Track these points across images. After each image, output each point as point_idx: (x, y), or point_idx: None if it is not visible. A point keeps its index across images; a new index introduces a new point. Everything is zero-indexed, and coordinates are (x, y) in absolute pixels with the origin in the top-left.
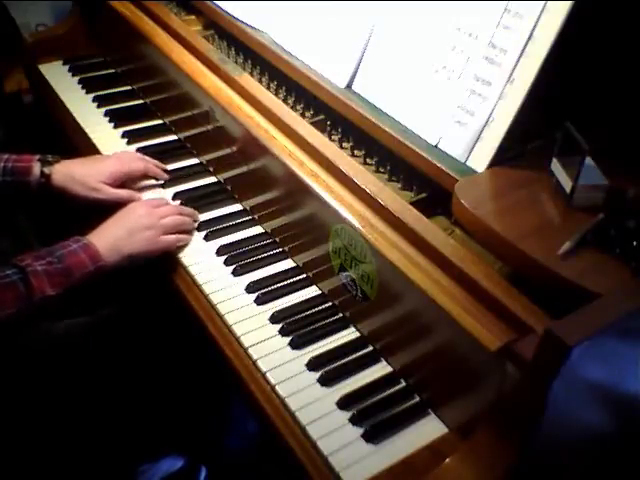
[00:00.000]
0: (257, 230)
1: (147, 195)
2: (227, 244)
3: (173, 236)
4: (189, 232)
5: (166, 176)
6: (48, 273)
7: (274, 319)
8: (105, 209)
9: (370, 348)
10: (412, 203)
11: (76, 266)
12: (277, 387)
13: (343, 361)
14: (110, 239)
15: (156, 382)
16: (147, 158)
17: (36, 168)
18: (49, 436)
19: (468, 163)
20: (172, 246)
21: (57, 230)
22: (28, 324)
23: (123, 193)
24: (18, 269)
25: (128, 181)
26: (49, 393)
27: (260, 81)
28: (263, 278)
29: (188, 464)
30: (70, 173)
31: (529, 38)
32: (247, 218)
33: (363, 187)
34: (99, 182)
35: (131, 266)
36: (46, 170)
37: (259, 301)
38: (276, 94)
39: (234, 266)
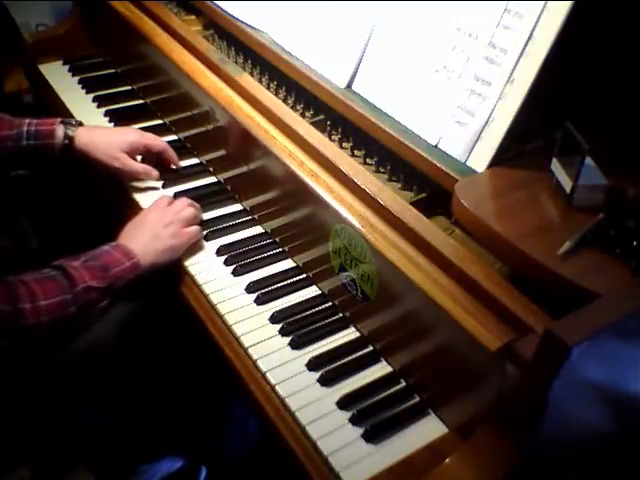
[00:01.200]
0: (257, 230)
1: (148, 195)
2: (227, 244)
3: (194, 227)
4: (201, 224)
5: (180, 164)
6: (86, 267)
7: (274, 319)
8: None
9: (370, 348)
10: (412, 203)
11: (112, 262)
12: (277, 387)
13: (343, 361)
14: (138, 242)
15: (156, 382)
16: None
17: (59, 130)
18: (49, 436)
19: (468, 163)
20: (196, 236)
21: (57, 230)
22: (86, 320)
23: (139, 167)
24: (53, 267)
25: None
26: (49, 393)
27: (260, 81)
28: (263, 278)
29: (188, 464)
30: (92, 137)
31: (529, 38)
32: (247, 218)
33: (363, 187)
34: (119, 151)
35: (165, 265)
36: (70, 132)
37: (259, 301)
38: (276, 94)
39: (234, 266)
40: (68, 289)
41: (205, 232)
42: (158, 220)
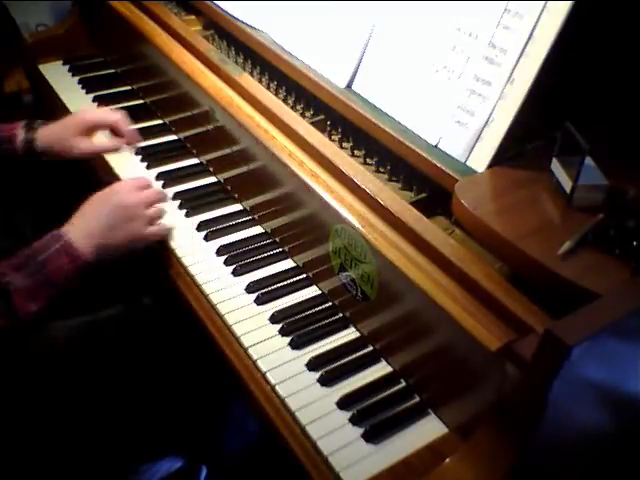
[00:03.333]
0: (257, 230)
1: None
2: (227, 244)
3: (156, 227)
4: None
5: (138, 138)
6: (29, 289)
7: (274, 319)
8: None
9: (370, 348)
10: (412, 203)
11: (57, 273)
12: (277, 387)
13: (343, 361)
14: (90, 233)
15: (156, 382)
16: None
17: (20, 135)
18: (49, 436)
19: (468, 163)
20: (158, 237)
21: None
22: (17, 336)
23: (99, 148)
24: None
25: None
26: (49, 393)
27: (260, 81)
28: (263, 278)
29: (188, 464)
30: (49, 136)
31: (529, 38)
32: (247, 218)
33: (363, 187)
34: (73, 138)
35: (114, 260)
36: (30, 135)
37: (259, 301)
38: (276, 94)
39: (234, 266)
40: (6, 315)
41: (205, 232)
42: (121, 211)
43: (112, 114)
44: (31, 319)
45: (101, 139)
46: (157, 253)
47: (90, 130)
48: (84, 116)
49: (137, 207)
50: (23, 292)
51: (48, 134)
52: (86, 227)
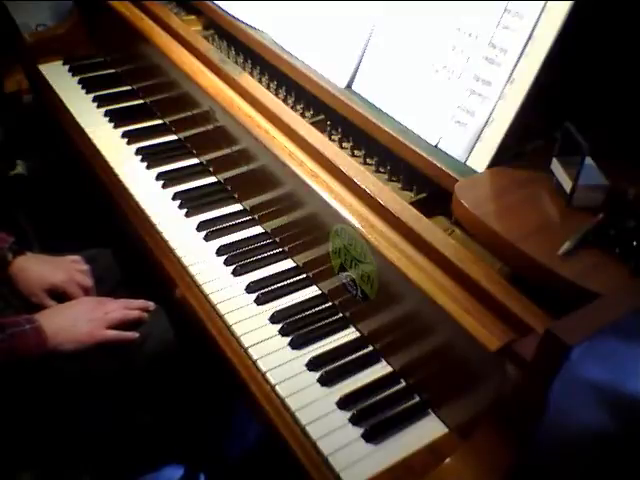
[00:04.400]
0: (257, 230)
1: (148, 195)
2: (227, 244)
3: (113, 332)
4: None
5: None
6: None
7: (274, 319)
8: None
9: (370, 348)
10: (412, 203)
11: (21, 348)
12: (277, 387)
13: (343, 361)
14: (57, 326)
15: (156, 390)
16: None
17: (2, 252)
18: (50, 444)
19: (468, 163)
20: (110, 340)
21: (57, 229)
22: None
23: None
24: None
25: None
26: (46, 402)
27: (260, 81)
28: (263, 278)
29: (188, 473)
30: (22, 270)
31: (529, 38)
32: (247, 218)
33: (363, 187)
34: (40, 290)
35: (67, 352)
36: (9, 257)
37: (259, 301)
38: (276, 94)
39: (234, 266)
40: None
41: (205, 232)
42: (86, 311)
43: (80, 293)
44: None
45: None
46: (157, 252)
47: (58, 292)
48: (63, 283)
49: (100, 311)
50: None
51: (21, 268)
52: (55, 320)
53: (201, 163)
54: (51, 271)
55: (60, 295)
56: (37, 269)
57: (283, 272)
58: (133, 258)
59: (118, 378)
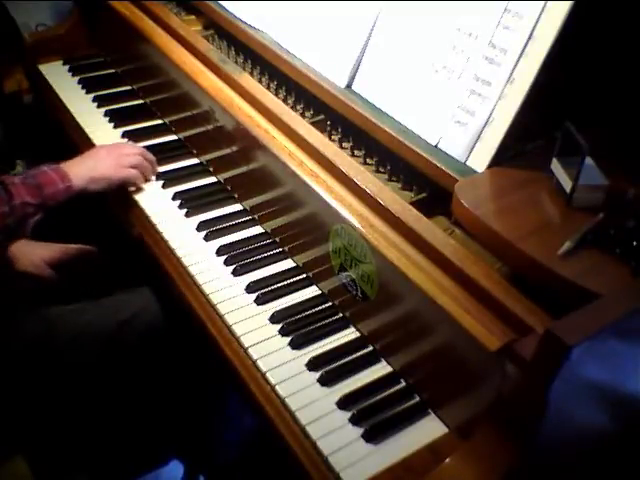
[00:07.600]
0: (257, 230)
1: (147, 195)
2: (227, 244)
3: (134, 170)
4: (147, 175)
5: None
6: (24, 184)
7: (274, 319)
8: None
9: (370, 348)
10: (412, 203)
11: (47, 183)
12: (277, 387)
13: (343, 361)
14: (78, 167)
15: (155, 390)
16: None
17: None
18: (48, 445)
19: (468, 163)
20: (132, 178)
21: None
22: (20, 232)
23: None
24: None
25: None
26: (45, 403)
27: (260, 81)
28: (263, 278)
29: (187, 473)
30: (24, 246)
31: (529, 38)
32: (247, 218)
33: (363, 187)
34: (41, 260)
35: (97, 192)
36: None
37: (259, 301)
38: (276, 94)
39: (234, 266)
40: (7, 202)
41: (205, 232)
42: (105, 153)
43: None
44: (29, 218)
45: None
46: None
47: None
48: (51, 253)
49: (118, 152)
50: (18, 185)
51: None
52: (76, 163)
53: (201, 163)
54: (48, 247)
55: (58, 268)
56: (36, 246)
57: (283, 272)
58: (131, 257)
59: (108, 360)
